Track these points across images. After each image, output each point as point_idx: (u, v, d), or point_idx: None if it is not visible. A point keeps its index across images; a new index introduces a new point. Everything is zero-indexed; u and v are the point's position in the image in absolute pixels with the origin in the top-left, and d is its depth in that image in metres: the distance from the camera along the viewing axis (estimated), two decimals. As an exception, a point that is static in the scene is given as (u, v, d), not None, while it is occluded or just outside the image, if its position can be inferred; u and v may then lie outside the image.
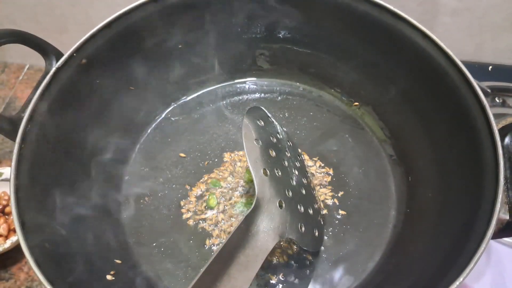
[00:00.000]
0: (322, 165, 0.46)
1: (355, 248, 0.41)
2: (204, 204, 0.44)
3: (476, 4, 0.52)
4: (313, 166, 0.46)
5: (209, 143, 0.48)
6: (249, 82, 0.53)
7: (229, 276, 0.29)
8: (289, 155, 0.39)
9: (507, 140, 0.33)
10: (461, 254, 0.30)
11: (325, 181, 0.45)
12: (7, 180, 0.51)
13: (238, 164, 0.47)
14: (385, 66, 0.44)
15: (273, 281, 0.39)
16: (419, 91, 0.41)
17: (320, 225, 0.40)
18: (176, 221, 0.43)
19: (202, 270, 0.27)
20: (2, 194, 0.51)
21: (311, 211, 0.38)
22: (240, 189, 0.45)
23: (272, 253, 0.40)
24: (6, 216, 0.50)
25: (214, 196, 0.44)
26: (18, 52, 0.65)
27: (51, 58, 0.41)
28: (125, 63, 0.44)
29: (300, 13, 0.45)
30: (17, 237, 0.32)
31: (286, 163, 0.38)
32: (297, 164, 0.40)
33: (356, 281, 0.39)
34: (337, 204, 0.43)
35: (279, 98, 0.52)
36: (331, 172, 0.46)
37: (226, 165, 0.47)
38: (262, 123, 0.37)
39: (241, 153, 0.47)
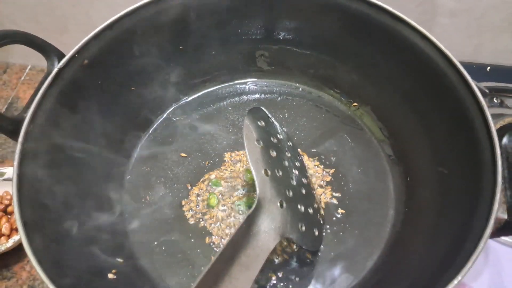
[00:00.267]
0: (322, 165, 0.46)
1: (354, 247, 0.41)
2: (205, 204, 0.44)
3: (474, 5, 0.52)
4: (313, 166, 0.46)
5: (210, 143, 0.49)
6: (250, 83, 0.53)
7: (230, 277, 0.29)
8: (289, 155, 0.40)
9: (505, 140, 0.34)
10: (459, 253, 0.31)
11: (324, 180, 0.45)
12: (10, 179, 0.51)
13: (239, 164, 0.47)
14: (384, 67, 0.44)
15: (272, 280, 0.40)
16: (418, 91, 0.42)
17: (319, 224, 0.40)
18: (177, 220, 0.44)
19: (205, 270, 0.27)
20: (5, 194, 0.52)
21: (311, 211, 0.38)
22: (240, 188, 0.45)
23: (272, 251, 0.41)
24: (9, 216, 0.51)
25: (215, 195, 0.44)
26: (20, 52, 0.65)
27: (53, 58, 0.41)
28: (126, 64, 0.44)
29: (300, 14, 0.46)
30: (19, 236, 0.32)
31: (287, 163, 0.38)
32: (297, 164, 0.40)
33: (355, 280, 0.39)
34: (336, 203, 0.44)
35: (279, 98, 0.52)
36: (330, 172, 0.46)
37: (226, 165, 0.47)
38: (263, 123, 0.38)
39: (241, 153, 0.48)
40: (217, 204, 0.44)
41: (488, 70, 0.58)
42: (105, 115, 0.44)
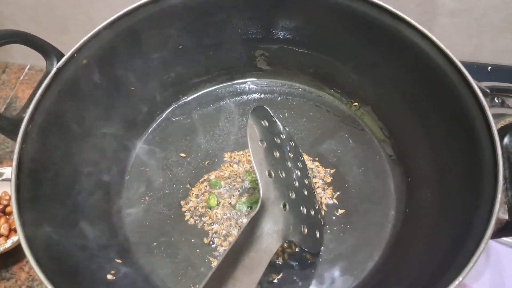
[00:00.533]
0: (322, 165, 0.46)
1: (355, 248, 0.41)
2: (205, 204, 0.44)
3: (474, 5, 0.52)
4: (313, 166, 0.46)
5: (209, 143, 0.49)
6: (249, 83, 0.53)
7: (234, 280, 0.29)
8: (291, 155, 0.39)
9: (506, 140, 0.33)
10: (460, 253, 0.31)
11: (325, 181, 0.45)
12: (8, 180, 0.51)
13: (238, 164, 0.47)
14: (384, 67, 0.44)
15: (273, 281, 0.39)
16: (419, 91, 0.42)
17: (321, 226, 0.40)
18: (176, 220, 0.44)
19: (209, 274, 0.27)
20: (3, 194, 0.52)
21: (312, 212, 0.38)
22: (240, 189, 0.45)
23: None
24: (7, 216, 0.50)
25: (215, 196, 0.44)
26: (19, 52, 0.65)
27: (52, 58, 0.41)
28: (125, 64, 0.44)
29: (300, 13, 0.45)
30: (18, 236, 0.32)
31: (289, 164, 0.38)
32: (299, 165, 0.40)
33: (356, 281, 0.39)
34: (337, 203, 0.44)
35: (279, 98, 0.52)
36: (330, 172, 0.46)
37: (226, 165, 0.47)
38: (266, 123, 0.38)
39: (241, 153, 0.48)
40: (216, 205, 0.44)
41: (489, 70, 0.58)
42: (104, 115, 0.44)
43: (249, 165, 0.46)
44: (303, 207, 0.37)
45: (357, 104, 0.50)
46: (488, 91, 0.37)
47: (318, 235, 0.39)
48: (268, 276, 0.39)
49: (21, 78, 0.67)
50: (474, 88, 0.35)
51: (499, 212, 0.30)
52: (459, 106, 0.36)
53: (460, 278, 0.28)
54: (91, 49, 0.40)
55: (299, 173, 0.39)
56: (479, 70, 0.58)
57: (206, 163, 0.47)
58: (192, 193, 0.45)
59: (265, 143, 0.35)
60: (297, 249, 0.41)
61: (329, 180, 0.45)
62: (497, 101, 0.45)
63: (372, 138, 0.48)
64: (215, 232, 0.43)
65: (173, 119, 0.51)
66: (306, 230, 0.36)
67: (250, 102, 0.52)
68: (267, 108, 0.39)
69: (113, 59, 0.43)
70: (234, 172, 0.46)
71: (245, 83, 0.53)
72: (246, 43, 0.49)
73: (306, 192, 0.39)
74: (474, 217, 0.32)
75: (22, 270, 0.50)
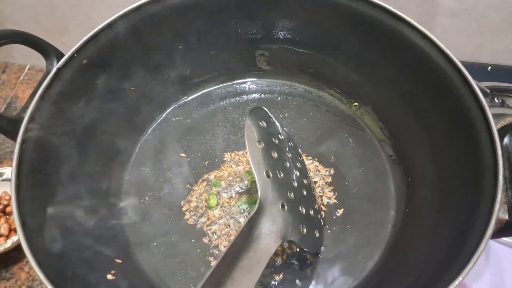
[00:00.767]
0: (322, 165, 0.46)
1: (355, 248, 0.41)
2: (205, 204, 0.44)
3: (474, 5, 0.52)
4: (313, 166, 0.46)
5: (209, 143, 0.49)
6: (249, 83, 0.53)
7: (232, 280, 0.29)
8: (290, 155, 0.39)
9: (506, 140, 0.33)
10: (460, 253, 0.31)
11: (325, 181, 0.45)
12: (8, 180, 0.51)
13: (238, 164, 0.47)
14: (384, 67, 0.44)
15: (273, 281, 0.39)
16: (419, 91, 0.42)
17: (320, 226, 0.40)
18: (176, 220, 0.43)
19: (207, 274, 0.27)
20: (3, 194, 0.52)
21: (312, 212, 0.38)
22: (240, 189, 0.45)
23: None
24: (7, 216, 0.50)
25: (214, 196, 0.44)
26: (19, 52, 0.65)
27: (52, 58, 0.41)
28: (125, 64, 0.44)
29: (300, 13, 0.45)
30: (18, 236, 0.32)
31: (288, 164, 0.38)
32: (298, 165, 0.40)
33: (356, 281, 0.39)
34: (337, 203, 0.44)
35: (279, 98, 0.52)
36: (330, 172, 0.46)
37: (226, 165, 0.47)
38: (264, 124, 0.38)
39: (241, 153, 0.48)
40: (216, 205, 0.44)
41: (489, 70, 0.58)
42: (104, 115, 0.44)
43: (249, 165, 0.46)
44: (302, 207, 0.37)
45: (357, 104, 0.50)
46: (488, 91, 0.37)
47: (317, 235, 0.39)
48: (268, 276, 0.39)
49: (21, 78, 0.67)
50: (474, 88, 0.35)
51: (499, 212, 0.30)
52: (459, 106, 0.36)
53: (460, 278, 0.28)
54: (91, 49, 0.40)
55: (298, 173, 0.39)
56: (479, 70, 0.58)
57: (206, 163, 0.47)
58: (192, 193, 0.45)
59: (263, 144, 0.35)
60: (297, 249, 0.41)
61: (329, 180, 0.45)
62: (497, 101, 0.45)
63: (372, 138, 0.48)
64: (215, 232, 0.43)
65: (173, 119, 0.51)
66: (305, 230, 0.36)
67: (250, 102, 0.52)
68: (265, 109, 0.39)
69: (113, 59, 0.43)
70: (234, 172, 0.46)
71: (245, 83, 0.53)
72: (246, 43, 0.49)
73: (305, 192, 0.39)
74: (474, 217, 0.32)
75: (22, 270, 0.50)
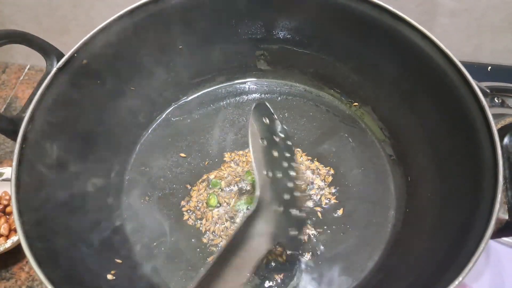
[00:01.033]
0: (322, 165, 0.46)
1: (355, 248, 0.41)
2: (204, 204, 0.44)
3: (474, 5, 0.52)
4: (313, 166, 0.46)
5: (209, 143, 0.49)
6: (249, 83, 0.53)
7: (224, 279, 0.29)
8: (288, 155, 0.39)
9: (506, 140, 0.33)
10: (460, 253, 0.31)
11: (325, 181, 0.45)
12: (8, 180, 0.51)
13: (238, 164, 0.47)
14: (384, 67, 0.44)
15: (273, 281, 0.39)
16: (419, 91, 0.42)
17: (304, 227, 0.40)
18: (176, 220, 0.43)
19: (203, 271, 0.27)
20: (3, 194, 0.52)
21: (300, 214, 0.38)
22: (240, 189, 0.45)
23: (272, 252, 0.40)
24: (7, 216, 0.50)
25: (214, 195, 0.44)
26: (19, 52, 0.65)
27: (52, 58, 0.41)
28: (126, 64, 0.44)
29: (300, 13, 0.45)
30: (18, 236, 0.32)
31: (286, 164, 0.38)
32: (293, 165, 0.40)
33: (356, 281, 0.39)
34: (337, 203, 0.44)
35: (279, 98, 0.52)
36: (330, 172, 0.46)
37: (226, 165, 0.47)
38: (268, 120, 0.37)
39: (241, 153, 0.48)
40: (216, 204, 0.44)
41: (489, 70, 0.58)
42: (104, 115, 0.44)
43: (249, 165, 0.46)
44: (293, 209, 0.37)
45: (357, 104, 0.50)
46: (488, 91, 0.37)
47: (301, 236, 0.39)
48: (268, 276, 0.39)
49: (21, 78, 0.67)
50: (474, 88, 0.35)
51: (499, 212, 0.30)
52: (459, 106, 0.36)
53: (460, 278, 0.28)
54: (91, 49, 0.40)
55: (293, 173, 0.39)
56: (479, 70, 0.58)
57: (206, 163, 0.47)
58: (192, 193, 0.45)
59: (265, 142, 0.35)
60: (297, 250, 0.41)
61: (329, 180, 0.45)
62: (497, 101, 0.45)
63: (372, 138, 0.48)
64: (215, 232, 0.43)
65: (173, 119, 0.51)
66: (294, 233, 0.36)
67: (250, 102, 0.52)
68: (268, 105, 0.39)
69: (113, 59, 0.43)
70: (234, 172, 0.46)
71: (245, 83, 0.53)
72: (246, 43, 0.49)
73: (297, 194, 0.39)
74: (474, 217, 0.32)
75: (22, 270, 0.49)
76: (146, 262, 0.41)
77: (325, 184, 0.45)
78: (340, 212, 0.43)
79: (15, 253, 0.49)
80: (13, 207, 0.33)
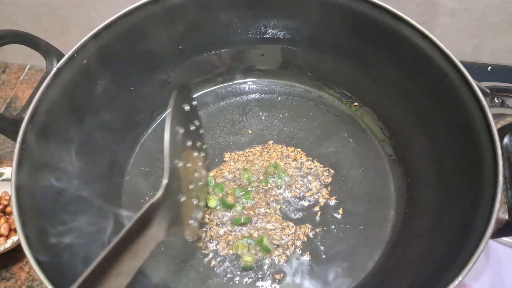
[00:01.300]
0: (322, 165, 0.46)
1: (355, 248, 0.41)
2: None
3: (474, 5, 0.52)
4: (313, 166, 0.46)
5: (209, 143, 0.49)
6: (250, 83, 0.53)
7: (119, 265, 0.28)
8: (199, 144, 0.40)
9: (506, 140, 0.33)
10: (460, 253, 0.31)
11: (325, 181, 0.45)
12: (8, 180, 0.51)
13: (238, 163, 0.47)
14: (384, 67, 0.44)
15: (273, 281, 0.39)
16: (419, 91, 0.42)
17: (200, 216, 0.41)
18: (176, 221, 0.43)
19: (98, 259, 0.26)
20: (3, 194, 0.52)
21: (200, 204, 0.39)
22: (239, 188, 0.45)
23: (272, 252, 0.41)
24: (7, 216, 0.50)
25: (214, 196, 0.44)
26: (19, 52, 0.65)
27: (52, 58, 0.41)
28: (125, 64, 0.44)
29: (300, 14, 0.45)
30: (18, 236, 0.32)
31: (196, 154, 0.38)
32: (202, 154, 0.40)
33: (356, 281, 0.39)
34: (337, 203, 0.44)
35: (279, 98, 0.52)
36: (330, 172, 0.46)
37: (226, 165, 0.47)
38: (188, 107, 0.37)
39: (240, 153, 0.48)
40: (216, 205, 0.44)
41: (489, 70, 0.58)
42: (104, 115, 0.44)
43: (248, 164, 0.46)
44: (195, 199, 0.37)
45: (357, 104, 0.50)
46: (488, 91, 0.37)
47: (197, 225, 0.40)
48: (269, 277, 0.39)
49: (21, 78, 0.67)
50: (474, 88, 0.35)
51: (499, 212, 0.30)
52: (459, 106, 0.36)
53: (460, 278, 0.28)
54: (91, 49, 0.40)
55: (201, 163, 0.39)
56: (479, 70, 0.58)
57: (206, 163, 0.47)
58: (192, 193, 0.45)
59: (182, 130, 0.35)
60: (298, 250, 0.41)
61: (329, 180, 0.45)
62: (497, 101, 0.45)
63: (372, 138, 0.48)
64: (215, 232, 0.42)
65: (173, 119, 0.51)
66: (192, 222, 0.36)
67: (250, 102, 0.52)
68: (191, 88, 0.39)
69: (113, 59, 0.43)
70: (234, 171, 0.46)
71: (245, 83, 0.53)
72: (246, 43, 0.49)
73: (200, 183, 0.39)
74: (474, 217, 0.32)
75: (22, 270, 0.50)
76: (146, 262, 0.41)
77: (325, 184, 0.45)
78: (340, 212, 0.43)
79: (15, 253, 0.49)
80: (13, 207, 0.33)
